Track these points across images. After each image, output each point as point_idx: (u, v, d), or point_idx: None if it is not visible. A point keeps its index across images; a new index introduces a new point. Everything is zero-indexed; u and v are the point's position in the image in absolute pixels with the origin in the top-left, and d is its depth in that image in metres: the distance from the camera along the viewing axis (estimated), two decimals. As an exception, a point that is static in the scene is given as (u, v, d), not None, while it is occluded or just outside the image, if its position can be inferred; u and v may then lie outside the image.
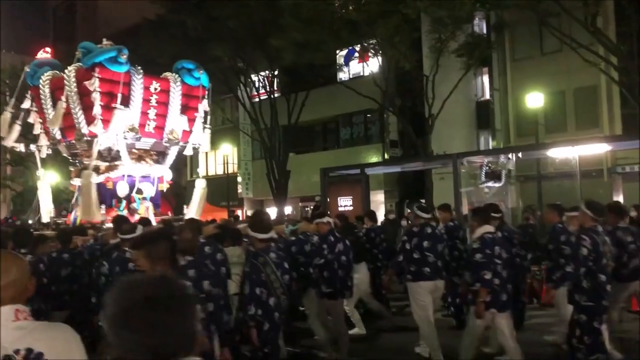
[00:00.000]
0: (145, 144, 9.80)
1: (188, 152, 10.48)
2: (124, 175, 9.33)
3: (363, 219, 9.76)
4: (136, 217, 8.40)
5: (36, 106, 9.86)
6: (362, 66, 22.66)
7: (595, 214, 5.31)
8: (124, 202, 9.22)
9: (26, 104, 9.97)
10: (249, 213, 25.44)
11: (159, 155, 10.18)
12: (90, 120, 9.00)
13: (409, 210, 13.41)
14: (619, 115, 18.43)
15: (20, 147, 10.60)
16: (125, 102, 9.06)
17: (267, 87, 22.06)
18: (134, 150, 9.65)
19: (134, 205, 9.36)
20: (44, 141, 10.04)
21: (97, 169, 9.35)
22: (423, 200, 17.72)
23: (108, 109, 8.90)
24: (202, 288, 3.95)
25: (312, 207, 21.97)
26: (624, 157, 17.12)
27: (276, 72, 22.00)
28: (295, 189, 22.70)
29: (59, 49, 29.46)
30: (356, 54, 21.09)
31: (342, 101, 22.67)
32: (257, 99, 22.45)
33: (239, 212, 26.15)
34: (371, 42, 18.93)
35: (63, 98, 9.12)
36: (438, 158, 15.30)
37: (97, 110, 8.81)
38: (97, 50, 9.29)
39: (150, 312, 1.25)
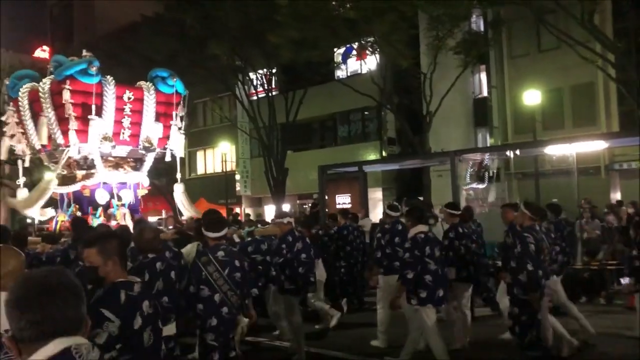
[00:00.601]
0: (122, 152, 9.91)
1: (167, 157, 10.46)
2: (100, 183, 9.47)
3: (337, 217, 10.37)
4: (113, 223, 8.59)
5: (17, 117, 9.99)
6: (359, 64, 22.66)
7: (533, 214, 5.87)
8: (99, 209, 9.38)
9: (9, 117, 10.01)
10: (247, 211, 25.48)
11: (136, 162, 10.26)
12: (64, 131, 9.27)
13: (406, 208, 13.43)
14: (616, 112, 18.48)
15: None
16: (98, 112, 9.24)
17: (265, 85, 22.04)
18: (110, 159, 9.78)
19: (112, 210, 9.46)
20: (26, 151, 10.15)
21: (73, 178, 9.61)
22: (421, 198, 17.77)
23: (81, 119, 9.16)
24: (170, 278, 4.52)
25: (310, 205, 22.02)
26: (621, 154, 17.17)
27: (274, 70, 21.99)
28: (294, 186, 22.73)
29: (57, 47, 29.40)
30: (354, 52, 21.11)
31: (340, 99, 22.66)
32: (255, 97, 22.43)
33: (237, 210, 26.19)
34: (369, 39, 18.93)
35: (44, 113, 9.36)
36: (436, 155, 15.33)
37: (71, 120, 9.07)
38: (68, 63, 9.47)
39: (40, 297, 1.54)
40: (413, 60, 18.63)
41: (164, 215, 16.17)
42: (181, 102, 10.29)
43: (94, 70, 9.04)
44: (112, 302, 2.77)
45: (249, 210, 25.63)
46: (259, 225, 10.61)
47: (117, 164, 9.84)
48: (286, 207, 22.50)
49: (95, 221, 8.68)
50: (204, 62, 20.36)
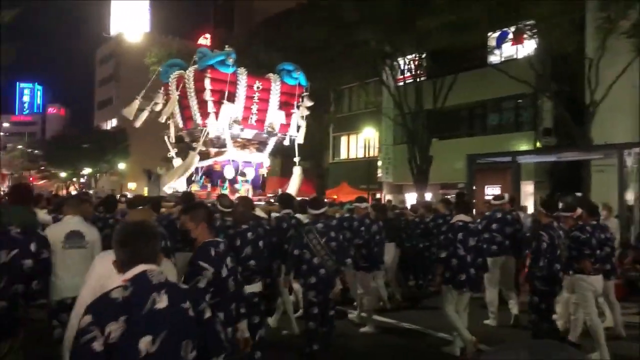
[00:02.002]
0: (248, 134, 11.16)
1: (286, 142, 11.79)
2: (229, 160, 10.77)
3: (431, 206, 11.07)
4: (236, 196, 9.40)
5: (165, 99, 11.51)
6: (515, 48, 21.41)
7: (548, 211, 6.28)
8: (227, 183, 10.66)
9: (158, 98, 11.65)
10: (388, 197, 25.45)
11: (260, 145, 11.53)
12: (203, 113, 10.65)
13: (561, 204, 12.53)
14: None
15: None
16: (232, 98, 10.51)
17: (413, 71, 21.71)
18: (238, 140, 11.07)
19: (237, 186, 10.67)
20: (171, 129, 11.80)
21: (207, 154, 11.00)
22: (579, 194, 16.45)
23: (217, 103, 10.40)
24: (258, 245, 5.22)
25: (453, 196, 21.36)
26: None
27: (423, 56, 21.55)
28: (437, 175, 22.21)
29: (218, 34, 31.49)
30: (510, 36, 19.94)
31: (492, 85, 21.64)
32: (402, 83, 22.19)
33: (377, 196, 26.31)
34: (528, 22, 17.77)
35: (187, 96, 10.85)
36: (600, 148, 14.01)
37: (209, 104, 10.41)
38: (210, 54, 10.85)
39: (132, 237, 2.31)
40: (578, 45, 17.12)
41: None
42: (304, 93, 11.51)
43: (230, 61, 10.37)
44: (206, 256, 3.64)
45: (389, 197, 25.60)
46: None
47: (244, 144, 11.21)
48: (428, 196, 22.11)
49: (222, 193, 9.63)
50: (354, 48, 20.55)
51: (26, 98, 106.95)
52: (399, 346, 7.09)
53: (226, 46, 11.76)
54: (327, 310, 6.11)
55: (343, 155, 32.04)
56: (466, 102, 23.42)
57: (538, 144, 21.05)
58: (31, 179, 59.23)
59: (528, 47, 19.28)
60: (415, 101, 20.76)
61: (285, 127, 11.44)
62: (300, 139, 11.78)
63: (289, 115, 11.39)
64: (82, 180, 52.36)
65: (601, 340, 6.15)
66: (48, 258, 4.15)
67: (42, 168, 53.87)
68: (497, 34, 20.94)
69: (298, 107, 11.52)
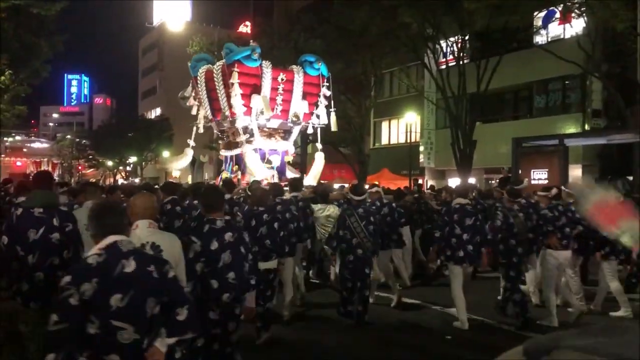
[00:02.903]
0: (274, 124, 11.77)
1: (310, 130, 12.47)
2: (257, 149, 11.43)
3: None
4: (265, 182, 10.19)
5: (195, 92, 12.35)
6: (562, 28, 20.70)
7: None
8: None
9: (188, 91, 12.56)
10: (431, 183, 25.17)
11: (285, 133, 12.13)
12: (231, 105, 11.26)
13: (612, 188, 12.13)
14: None
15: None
16: (258, 90, 11.13)
17: (456, 53, 21.28)
18: (265, 129, 11.73)
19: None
20: (201, 120, 12.49)
21: (234, 144, 11.74)
22: (631, 177, 15.86)
23: (244, 96, 11.04)
24: (273, 228, 5.93)
25: (497, 180, 20.92)
26: None
27: (466, 38, 21.08)
28: (480, 159, 21.80)
29: (258, 22, 31.60)
30: (557, 15, 19.26)
31: (538, 66, 21.02)
32: (444, 66, 21.79)
33: (419, 181, 26.04)
34: (576, 1, 17.14)
35: (216, 89, 11.60)
36: (654, 130, 13.47)
37: (237, 96, 11.06)
38: (236, 49, 11.57)
39: (102, 213, 2.81)
40: (630, 23, 16.41)
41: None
42: (325, 83, 12.05)
43: (256, 56, 11.02)
44: (198, 231, 4.12)
45: (432, 183, 25.31)
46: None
47: (270, 134, 11.84)
48: (472, 180, 21.73)
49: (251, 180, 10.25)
50: (395, 31, 20.29)
51: (74, 89, 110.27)
52: (410, 320, 7.40)
53: (251, 41, 13.07)
54: (363, 290, 6.77)
55: (384, 140, 31.79)
56: (511, 84, 22.85)
57: (587, 127, 20.38)
58: (80, 167, 61.22)
59: (576, 26, 18.61)
60: (458, 84, 20.36)
61: (308, 116, 12.05)
62: (333, 126, 12.38)
63: (312, 105, 12.01)
64: (128, 168, 53.74)
65: (553, 312, 6.86)
66: (73, 229, 4.55)
67: (90, 157, 55.49)
68: (543, 13, 20.25)
69: (323, 96, 12.11)
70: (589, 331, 2.03)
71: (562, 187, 7.83)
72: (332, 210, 7.74)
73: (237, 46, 12.53)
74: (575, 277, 7.59)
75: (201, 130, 12.64)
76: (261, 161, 11.42)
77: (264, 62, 11.33)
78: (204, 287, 3.96)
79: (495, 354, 2.03)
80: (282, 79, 11.60)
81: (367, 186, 8.83)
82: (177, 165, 12.36)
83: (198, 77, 12.06)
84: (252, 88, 11.05)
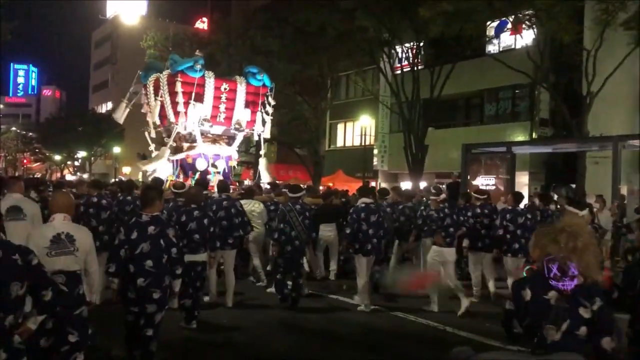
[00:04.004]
0: (218, 131, 12.55)
1: (254, 137, 13.29)
2: (200, 154, 12.14)
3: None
4: (211, 185, 11.11)
5: (145, 99, 13.05)
6: (513, 38, 21.34)
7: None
8: (197, 174, 11.93)
9: (140, 99, 13.33)
10: (383, 185, 25.45)
11: (229, 139, 12.89)
12: (175, 112, 12.05)
13: (555, 195, 12.65)
14: None
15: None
16: (200, 99, 11.92)
17: (411, 59, 21.61)
18: (209, 135, 12.45)
19: (209, 177, 11.92)
20: (150, 125, 13.15)
21: (180, 149, 12.41)
22: (573, 185, 16.48)
23: (187, 104, 11.86)
24: (202, 224, 6.58)
25: (446, 184, 21.31)
26: None
27: (421, 44, 21.45)
28: (432, 164, 22.21)
29: (215, 18, 31.22)
30: (509, 25, 19.83)
31: (489, 75, 21.59)
32: (399, 71, 22.11)
33: (372, 184, 26.29)
34: (527, 12, 17.67)
35: (158, 97, 12.38)
36: (597, 140, 14.04)
37: (180, 104, 11.85)
38: (179, 60, 12.39)
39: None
40: (576, 36, 17.06)
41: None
42: (268, 92, 12.90)
43: (198, 67, 11.86)
44: (126, 223, 4.95)
45: (384, 185, 25.60)
46: None
47: (214, 140, 12.53)
48: (423, 184, 22.10)
49: (193, 182, 10.98)
50: (352, 35, 20.43)
51: (21, 79, 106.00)
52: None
53: (197, 51, 13.79)
54: (297, 279, 7.89)
55: (339, 142, 31.97)
56: (463, 91, 23.37)
57: (534, 135, 21.06)
58: (25, 161, 58.97)
59: (526, 37, 19.20)
60: (412, 90, 20.69)
61: (251, 123, 12.85)
62: (266, 134, 13.30)
63: (254, 113, 12.82)
64: (76, 163, 52.13)
65: (364, 297, 7.78)
66: None
67: (37, 150, 53.55)
68: (495, 24, 20.85)
69: (263, 105, 12.90)
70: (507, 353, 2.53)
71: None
72: (256, 206, 9.21)
73: (193, 42, 13.43)
74: (476, 272, 8.66)
75: (153, 135, 13.24)
76: (207, 166, 12.18)
77: (206, 72, 12.16)
78: (126, 271, 4.66)
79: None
80: (225, 89, 12.46)
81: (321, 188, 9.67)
82: (152, 167, 12.48)
83: (147, 85, 12.80)
84: (195, 97, 11.88)
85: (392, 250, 9.33)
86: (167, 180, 11.61)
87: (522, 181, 20.00)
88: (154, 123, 12.90)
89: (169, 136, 12.64)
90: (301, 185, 9.12)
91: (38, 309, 3.12)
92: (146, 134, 13.23)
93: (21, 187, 6.32)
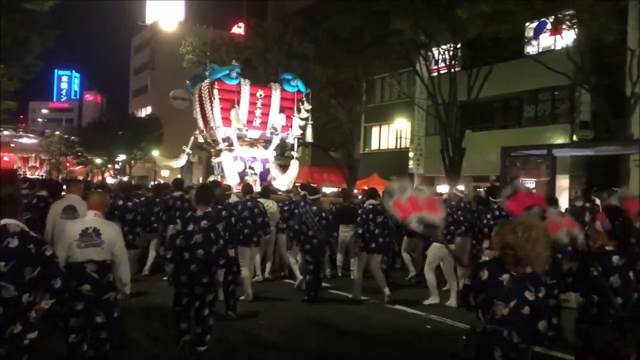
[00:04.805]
0: (255, 134, 13.21)
1: (289, 140, 13.80)
2: (237, 156, 12.89)
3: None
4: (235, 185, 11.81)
5: (195, 106, 13.90)
6: (553, 39, 20.92)
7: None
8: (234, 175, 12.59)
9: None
10: (460, 187, 25.21)
11: (266, 143, 13.47)
12: (214, 117, 12.90)
13: (596, 199, 12.35)
14: None
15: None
16: (237, 104, 12.63)
17: (448, 61, 21.41)
18: (246, 139, 13.15)
19: (247, 177, 12.70)
20: (200, 130, 14.04)
21: (220, 152, 13.17)
22: (615, 189, 16.03)
23: (225, 110, 12.66)
24: (230, 222, 6.95)
25: (485, 188, 20.99)
26: None
27: (459, 46, 21.22)
28: (469, 167, 21.93)
29: (251, 23, 31.57)
30: (548, 26, 19.46)
31: (528, 77, 21.19)
32: (435, 73, 21.92)
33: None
34: (567, 12, 17.31)
35: (204, 104, 13.13)
36: (640, 142, 13.63)
37: (217, 111, 12.77)
38: (217, 69, 13.24)
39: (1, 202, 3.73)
40: (619, 36, 16.60)
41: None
42: (303, 98, 13.44)
43: (234, 74, 12.71)
44: (182, 217, 5.71)
45: (461, 187, 25.37)
46: None
47: (252, 143, 13.27)
48: (460, 188, 21.82)
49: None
50: (387, 38, 20.38)
51: (64, 85, 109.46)
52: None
53: (233, 61, 14.84)
54: (317, 273, 8.49)
55: (374, 145, 31.87)
56: (501, 93, 23.00)
57: (575, 137, 20.58)
58: (68, 164, 60.73)
59: (567, 37, 18.80)
60: (449, 92, 20.50)
61: (286, 127, 13.41)
62: (309, 137, 13.86)
63: (289, 118, 13.36)
64: (116, 166, 53.41)
65: (358, 288, 8.56)
66: (31, 218, 5.97)
67: (79, 154, 55.07)
68: (534, 24, 20.47)
69: (298, 110, 13.36)
70: None
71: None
72: (270, 205, 9.61)
73: (230, 47, 13.82)
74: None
75: (201, 140, 14.02)
76: (244, 168, 12.92)
77: (242, 80, 12.94)
78: (180, 257, 5.39)
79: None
80: (260, 95, 13.10)
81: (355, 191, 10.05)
82: (172, 166, 13.72)
83: (194, 93, 13.76)
84: (232, 103, 12.67)
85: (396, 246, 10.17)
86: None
87: (563, 184, 19.57)
88: (199, 128, 13.84)
89: (213, 141, 13.44)
90: (319, 188, 9.86)
91: (50, 294, 3.66)
92: (192, 137, 14.09)
93: (80, 189, 6.89)
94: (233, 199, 9.11)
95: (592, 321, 3.95)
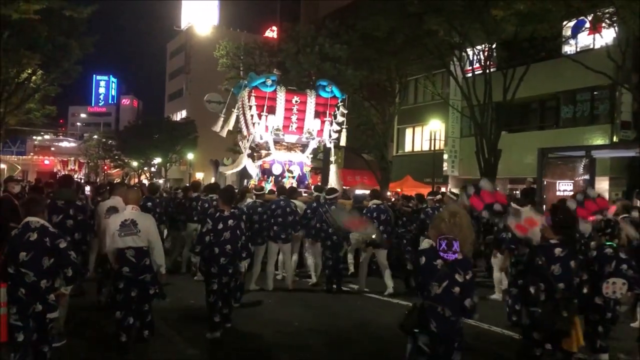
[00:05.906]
0: (291, 139, 13.63)
1: (326, 144, 14.08)
2: (274, 160, 13.35)
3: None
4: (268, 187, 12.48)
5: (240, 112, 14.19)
6: (592, 38, 20.41)
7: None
8: (271, 178, 13.17)
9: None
10: (454, 191, 24.92)
11: (303, 147, 13.87)
12: (252, 123, 13.36)
13: (638, 201, 11.99)
14: None
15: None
16: (273, 111, 13.14)
17: (482, 62, 21.10)
18: (284, 144, 13.60)
19: (284, 180, 13.08)
20: (240, 135, 14.67)
21: (259, 156, 13.70)
22: (659, 191, 15.52)
23: (262, 116, 13.13)
24: (252, 218, 8.76)
25: (520, 190, 20.62)
26: None
27: (494, 46, 20.90)
28: (505, 169, 21.56)
29: (284, 27, 31.77)
30: (587, 24, 18.99)
31: (566, 76, 20.74)
32: (470, 74, 21.62)
33: (443, 190, 25.79)
34: (607, 10, 16.86)
35: (244, 111, 13.69)
36: (685, 143, 13.15)
37: (255, 117, 13.22)
38: (254, 77, 13.88)
39: (26, 202, 4.92)
40: (662, 33, 16.08)
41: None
42: (339, 103, 13.77)
43: (269, 82, 13.16)
44: (210, 215, 6.51)
45: (455, 191, 25.07)
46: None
47: (289, 147, 13.74)
48: (454, 191, 21.42)
49: (267, 186, 12.52)
50: (421, 39, 20.22)
51: (102, 90, 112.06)
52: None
53: (274, 70, 15.72)
54: (337, 265, 9.39)
55: (408, 147, 31.64)
56: (538, 94, 22.57)
57: (615, 138, 20.02)
58: (105, 167, 62.18)
59: (606, 36, 18.31)
60: (484, 92, 20.19)
61: (320, 132, 13.75)
62: (342, 141, 14.36)
63: (324, 123, 13.71)
64: (152, 169, 54.40)
65: (362, 281, 9.63)
66: (83, 219, 7.19)
67: (116, 157, 56.30)
68: (572, 23, 20.00)
69: (334, 115, 13.70)
70: None
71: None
72: (298, 204, 10.06)
73: (263, 50, 13.90)
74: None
75: (247, 145, 14.26)
76: (282, 171, 13.40)
77: (278, 87, 13.33)
78: (210, 252, 6.24)
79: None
80: (296, 101, 13.44)
81: (389, 193, 10.39)
82: (234, 170, 14.08)
83: (238, 100, 14.23)
84: (269, 109, 13.09)
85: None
86: (249, 183, 13.34)
87: (602, 187, 19.04)
88: (242, 134, 14.50)
89: (257, 145, 14.00)
90: (336, 190, 10.49)
91: (65, 281, 4.54)
92: (240, 143, 14.84)
93: (122, 191, 7.51)
94: (247, 201, 9.75)
95: (538, 304, 4.63)
